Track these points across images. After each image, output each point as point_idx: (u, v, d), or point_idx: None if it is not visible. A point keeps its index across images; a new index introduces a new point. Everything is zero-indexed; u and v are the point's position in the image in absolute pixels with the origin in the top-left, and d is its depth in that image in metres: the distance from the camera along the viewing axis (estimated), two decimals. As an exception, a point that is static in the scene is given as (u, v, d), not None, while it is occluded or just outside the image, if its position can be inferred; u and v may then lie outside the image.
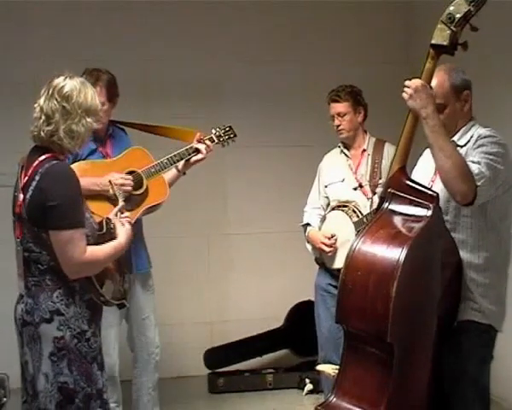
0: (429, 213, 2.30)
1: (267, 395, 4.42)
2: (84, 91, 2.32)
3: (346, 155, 3.67)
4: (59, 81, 2.31)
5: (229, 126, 3.49)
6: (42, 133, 2.29)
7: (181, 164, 3.32)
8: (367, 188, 3.51)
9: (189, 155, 3.30)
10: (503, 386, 3.54)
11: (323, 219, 3.60)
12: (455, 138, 2.51)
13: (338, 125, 3.58)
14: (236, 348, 4.66)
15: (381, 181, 3.45)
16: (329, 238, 3.43)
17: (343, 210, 3.46)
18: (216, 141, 3.42)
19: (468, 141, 2.48)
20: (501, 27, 3.80)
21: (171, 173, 3.33)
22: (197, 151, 3.30)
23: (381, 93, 4.24)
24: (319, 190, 3.73)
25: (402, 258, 2.18)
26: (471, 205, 2.34)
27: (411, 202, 2.35)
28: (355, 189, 3.55)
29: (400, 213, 2.36)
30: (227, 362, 4.62)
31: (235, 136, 3.49)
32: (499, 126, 2.55)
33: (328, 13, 4.84)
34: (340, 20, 4.89)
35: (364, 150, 3.63)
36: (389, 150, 3.51)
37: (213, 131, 3.44)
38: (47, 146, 2.30)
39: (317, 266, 3.74)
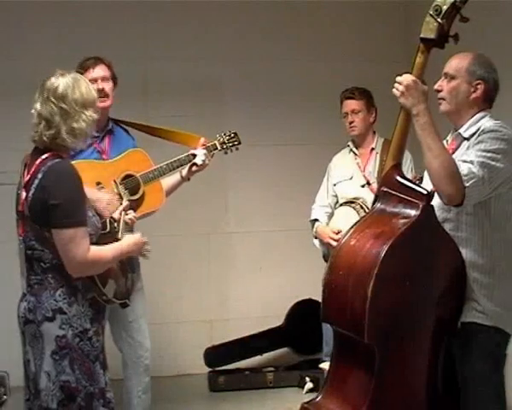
0: (417, 212, 2.25)
1: (267, 393, 4.41)
2: (78, 86, 2.31)
3: (354, 153, 3.74)
4: (52, 82, 2.30)
5: (235, 133, 3.46)
6: (44, 138, 2.29)
7: (185, 171, 3.28)
8: (375, 185, 3.54)
9: (190, 161, 3.26)
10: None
11: (331, 216, 3.67)
12: (461, 130, 2.46)
13: (351, 122, 3.66)
14: (237, 346, 4.66)
15: None
16: (337, 233, 3.47)
17: (350, 206, 3.53)
18: (219, 148, 3.38)
19: (473, 135, 2.40)
20: (504, 26, 3.80)
21: (173, 179, 3.30)
22: (194, 156, 3.26)
23: (381, 91, 4.23)
24: (327, 189, 3.80)
25: (380, 257, 2.15)
26: (460, 206, 2.29)
27: (401, 201, 2.31)
28: (363, 186, 3.62)
29: (390, 212, 2.32)
30: (227, 360, 4.62)
31: (239, 143, 3.45)
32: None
33: (328, 12, 4.83)
34: (340, 19, 4.89)
35: (373, 149, 3.71)
36: None
37: (218, 136, 3.41)
38: (51, 148, 2.30)
39: (318, 265, 3.75)
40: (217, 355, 4.63)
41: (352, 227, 2.37)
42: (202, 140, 3.34)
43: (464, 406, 2.40)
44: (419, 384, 2.35)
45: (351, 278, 2.24)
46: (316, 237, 3.72)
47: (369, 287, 2.14)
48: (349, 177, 3.70)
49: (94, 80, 3.13)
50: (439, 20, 2.26)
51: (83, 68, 3.17)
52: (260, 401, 4.31)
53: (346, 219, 3.45)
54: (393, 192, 2.34)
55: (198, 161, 3.26)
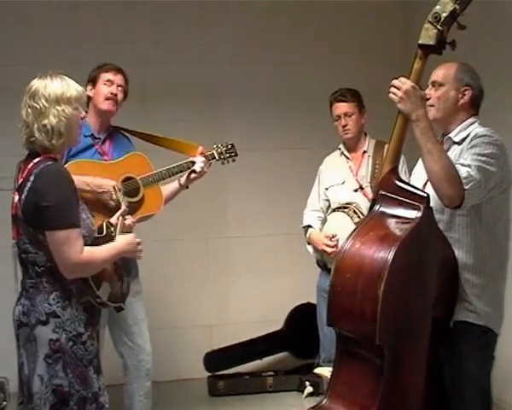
0: (419, 214, 2.29)
1: (267, 397, 4.41)
2: (53, 83, 2.29)
3: (346, 156, 3.68)
4: (29, 85, 2.32)
5: (232, 144, 3.49)
6: (23, 139, 2.31)
7: (183, 179, 3.32)
8: (368, 190, 3.52)
9: (189, 168, 3.30)
10: (502, 387, 3.55)
11: (324, 221, 3.61)
12: (451, 135, 2.53)
13: (344, 126, 3.58)
14: (236, 350, 4.66)
15: None
16: (331, 239, 3.44)
17: (344, 211, 3.48)
18: (217, 158, 3.43)
19: (464, 139, 2.48)
20: (501, 28, 3.82)
21: (172, 186, 3.34)
22: (193, 164, 3.30)
23: (381, 95, 4.26)
24: (319, 193, 3.74)
25: (390, 259, 2.18)
26: (459, 208, 2.34)
27: (401, 204, 2.35)
28: (356, 190, 3.56)
29: (390, 215, 2.36)
30: (227, 365, 4.62)
31: (236, 155, 3.49)
32: (499, 127, 2.54)
33: (327, 14, 4.85)
34: (341, 22, 4.90)
35: (365, 152, 3.65)
36: None
37: (215, 146, 3.45)
38: (36, 150, 2.30)
39: (317, 269, 3.75)
40: (216, 360, 4.64)
41: (353, 231, 2.40)
42: (200, 149, 3.38)
43: (451, 407, 2.45)
44: (420, 385, 2.37)
45: (359, 281, 2.25)
46: (309, 243, 3.67)
47: (380, 288, 2.16)
48: (341, 181, 3.64)
49: (111, 82, 3.21)
50: (438, 26, 2.31)
51: (103, 69, 3.23)
52: (260, 405, 4.31)
53: (340, 225, 3.44)
54: (392, 196, 2.37)
55: (197, 168, 3.30)
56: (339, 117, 3.61)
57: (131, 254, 2.50)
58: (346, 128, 3.59)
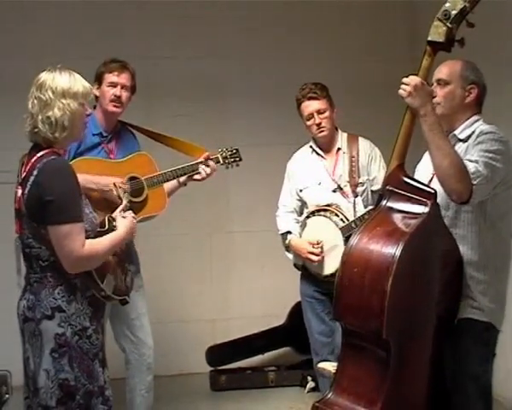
0: (426, 209, 2.30)
1: (269, 392, 4.42)
2: (61, 77, 2.30)
3: (319, 154, 3.48)
4: (37, 77, 2.32)
5: (236, 149, 3.51)
6: (27, 130, 2.30)
7: (183, 177, 3.34)
8: (346, 189, 3.36)
9: (193, 171, 3.32)
10: (504, 384, 3.55)
11: (303, 225, 3.41)
12: (456, 132, 2.53)
13: (319, 124, 3.37)
14: (238, 345, 4.67)
15: (360, 180, 3.35)
16: (314, 246, 3.26)
17: (325, 215, 3.30)
18: (221, 162, 3.45)
19: (469, 136, 2.49)
20: (501, 28, 3.81)
21: (171, 183, 3.34)
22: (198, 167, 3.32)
23: (384, 92, 4.24)
24: (291, 192, 3.54)
25: (397, 254, 2.19)
26: (466, 203, 2.35)
27: (409, 199, 2.35)
28: (334, 191, 3.37)
29: (398, 211, 2.36)
30: (229, 360, 4.63)
31: (240, 159, 3.51)
32: (499, 127, 2.53)
33: (329, 12, 4.83)
34: (343, 19, 4.89)
35: (339, 149, 3.44)
36: (364, 146, 3.43)
37: (220, 150, 3.47)
38: (39, 142, 2.30)
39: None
40: (219, 354, 4.64)
41: (360, 226, 2.41)
42: (206, 154, 3.38)
43: (453, 403, 2.46)
44: (424, 381, 2.38)
45: (367, 275, 2.26)
46: (287, 249, 3.48)
47: (387, 283, 2.17)
48: (317, 182, 3.41)
49: (114, 85, 3.20)
50: (448, 24, 2.31)
51: (107, 68, 3.22)
52: (262, 400, 4.31)
53: (321, 229, 3.29)
54: (400, 191, 2.38)
55: (201, 172, 3.32)
56: (311, 115, 3.39)
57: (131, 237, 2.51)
58: (321, 126, 3.37)
